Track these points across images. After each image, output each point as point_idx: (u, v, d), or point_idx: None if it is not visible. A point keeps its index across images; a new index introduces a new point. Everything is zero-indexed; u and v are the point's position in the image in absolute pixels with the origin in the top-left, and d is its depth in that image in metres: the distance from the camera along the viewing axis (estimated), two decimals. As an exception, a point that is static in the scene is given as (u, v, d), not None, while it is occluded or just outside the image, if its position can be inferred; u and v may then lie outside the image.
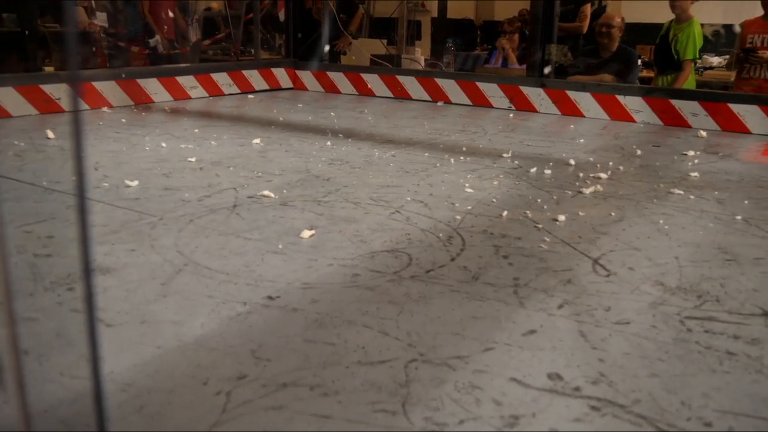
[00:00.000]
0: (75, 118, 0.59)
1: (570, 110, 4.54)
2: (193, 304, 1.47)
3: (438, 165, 2.90)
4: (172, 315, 1.42)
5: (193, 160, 2.87)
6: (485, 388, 1.16)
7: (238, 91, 5.33)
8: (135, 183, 2.44)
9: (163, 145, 3.19)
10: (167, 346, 1.29)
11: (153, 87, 4.75)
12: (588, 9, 5.87)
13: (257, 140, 3.32)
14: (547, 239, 1.94)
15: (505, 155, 3.11)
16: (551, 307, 1.49)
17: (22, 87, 3.98)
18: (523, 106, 4.72)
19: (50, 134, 3.26)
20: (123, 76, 4.60)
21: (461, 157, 3.06)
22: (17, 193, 2.33)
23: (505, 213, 2.18)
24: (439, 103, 4.98)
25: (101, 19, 6.58)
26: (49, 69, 5.25)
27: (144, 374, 1.20)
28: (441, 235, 1.97)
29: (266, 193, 2.33)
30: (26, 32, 4.90)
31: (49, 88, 4.08)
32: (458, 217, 2.15)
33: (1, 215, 1.70)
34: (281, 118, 4.16)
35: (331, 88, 5.60)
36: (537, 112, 4.64)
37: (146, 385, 1.16)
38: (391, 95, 5.27)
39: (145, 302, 1.48)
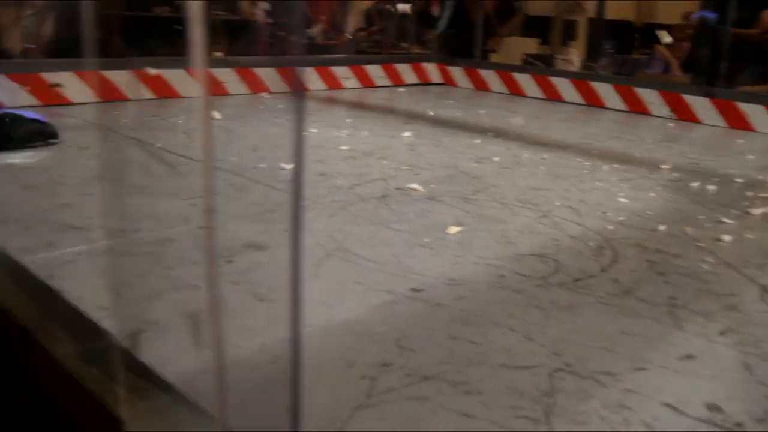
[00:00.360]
0: (298, 105, 0.61)
1: (738, 123, 4.22)
2: (342, 288, 1.51)
3: (590, 171, 2.80)
4: (323, 296, 1.47)
5: (346, 148, 2.95)
6: (636, 410, 1.11)
7: (390, 84, 5.41)
8: (290, 166, 2.55)
9: (317, 132, 3.30)
10: (316, 326, 1.34)
11: (309, 75, 4.93)
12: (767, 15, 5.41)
13: (408, 133, 3.36)
14: (709, 260, 1.82)
15: (663, 166, 2.94)
16: (712, 333, 1.40)
17: (193, 70, 4.26)
18: (685, 115, 4.44)
19: (216, 115, 3.47)
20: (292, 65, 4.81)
21: (615, 165, 2.93)
22: (185, 168, 2.50)
23: (661, 227, 2.07)
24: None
25: (263, 8, 6.92)
26: (217, 54, 5.59)
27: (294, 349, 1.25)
28: (591, 243, 1.90)
29: (415, 186, 2.35)
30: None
31: (216, 72, 4.34)
32: (610, 227, 2.06)
33: (213, 194, 1.82)
34: (431, 113, 4.18)
35: (481, 86, 5.56)
36: (700, 122, 4.36)
37: (290, 360, 1.21)
38: (543, 96, 5.15)
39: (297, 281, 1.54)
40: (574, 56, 6.38)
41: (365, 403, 1.08)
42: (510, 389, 1.15)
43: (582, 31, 8.26)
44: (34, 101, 3.59)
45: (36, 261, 1.54)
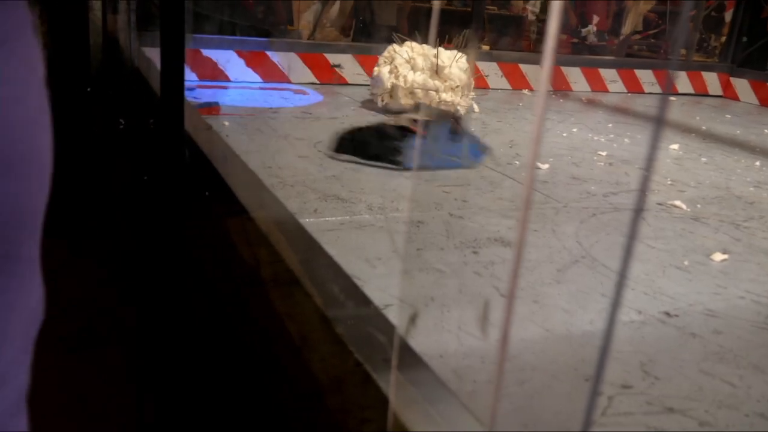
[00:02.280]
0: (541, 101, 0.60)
1: None
2: (585, 298, 1.46)
3: None
4: (564, 303, 1.43)
5: (604, 154, 2.83)
6: None
7: (660, 92, 5.07)
8: (546, 166, 2.51)
9: (576, 132, 3.21)
10: (555, 331, 1.31)
11: (574, 75, 4.80)
12: None
13: (675, 146, 3.12)
14: None
15: None
16: None
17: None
18: None
19: (475, 107, 3.53)
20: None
21: None
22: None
23: None
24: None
25: (533, 5, 6.86)
26: (484, 47, 5.68)
27: (530, 351, 1.24)
28: None
29: (677, 203, 2.19)
30: (472, 12, 5.36)
31: (481, 66, 4.41)
32: None
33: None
34: (704, 127, 3.84)
35: (768, 102, 4.97)
36: None
37: (531, 362, 1.20)
38: None
39: (540, 283, 1.52)
40: None
41: (599, 420, 1.04)
42: (767, 443, 1.02)
43: None
44: (315, 80, 3.96)
45: (304, 224, 1.70)
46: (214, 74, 3.72)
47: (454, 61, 3.11)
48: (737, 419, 1.08)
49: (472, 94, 3.37)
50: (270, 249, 1.23)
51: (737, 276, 1.66)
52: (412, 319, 1.16)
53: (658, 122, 0.56)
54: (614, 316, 0.49)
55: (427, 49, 3.14)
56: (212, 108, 2.96)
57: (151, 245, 2.42)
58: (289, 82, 3.90)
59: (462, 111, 3.17)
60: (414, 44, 3.21)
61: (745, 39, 5.28)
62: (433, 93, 3.04)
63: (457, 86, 3.10)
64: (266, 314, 1.27)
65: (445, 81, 3.09)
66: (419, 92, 3.07)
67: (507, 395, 1.09)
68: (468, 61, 3.20)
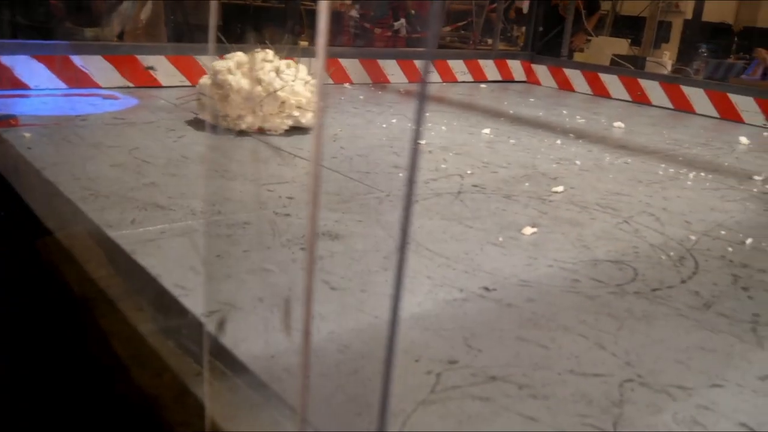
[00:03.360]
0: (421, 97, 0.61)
1: (841, 136, 3.97)
2: (411, 282, 1.51)
3: (675, 178, 2.70)
4: (391, 289, 1.47)
5: (423, 142, 2.95)
6: (709, 427, 1.07)
7: (471, 80, 5.37)
8: (424, 142, 2.57)
9: (396, 123, 3.31)
10: (384, 318, 1.34)
11: (391, 68, 4.95)
12: None
13: (486, 130, 3.33)
14: (799, 278, 1.73)
15: (755, 177, 2.81)
16: (797, 355, 1.33)
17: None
18: (782, 125, 4.22)
19: (320, 103, 3.52)
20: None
21: (702, 174, 2.82)
22: (264, 155, 2.55)
23: (749, 241, 1.97)
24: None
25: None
26: (303, 43, 5.69)
27: (361, 340, 1.26)
28: (672, 253, 1.84)
29: (491, 183, 2.33)
30: (286, 9, 5.35)
31: (303, 61, 4.41)
32: (693, 237, 1.99)
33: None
34: (511, 111, 4.12)
35: (565, 85, 5.44)
36: (799, 133, 4.13)
37: (362, 351, 1.22)
38: (629, 98, 4.99)
39: (368, 272, 1.55)
40: (666, 58, 6.16)
41: (429, 398, 1.08)
42: (577, 396, 1.12)
43: (676, 32, 7.94)
44: (128, 83, 3.75)
45: (120, 237, 1.60)
46: (11, 82, 3.40)
47: (296, 77, 3.06)
48: (551, 378, 1.17)
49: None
50: (79, 267, 1.15)
51: (545, 246, 1.81)
52: (220, 325, 1.13)
53: (420, 108, 0.59)
54: (397, 305, 0.51)
55: (256, 58, 3.07)
56: (9, 120, 2.71)
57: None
58: (99, 87, 3.66)
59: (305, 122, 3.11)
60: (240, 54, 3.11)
61: (541, 28, 5.73)
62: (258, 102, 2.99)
63: (300, 103, 3.04)
64: (83, 336, 1.19)
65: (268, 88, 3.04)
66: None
67: (340, 386, 1.10)
68: (295, 62, 3.17)
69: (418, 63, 5.05)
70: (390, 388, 0.68)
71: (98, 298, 1.17)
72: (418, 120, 0.54)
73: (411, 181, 0.58)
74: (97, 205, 1.80)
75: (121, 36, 4.70)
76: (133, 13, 4.81)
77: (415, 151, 0.59)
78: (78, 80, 3.61)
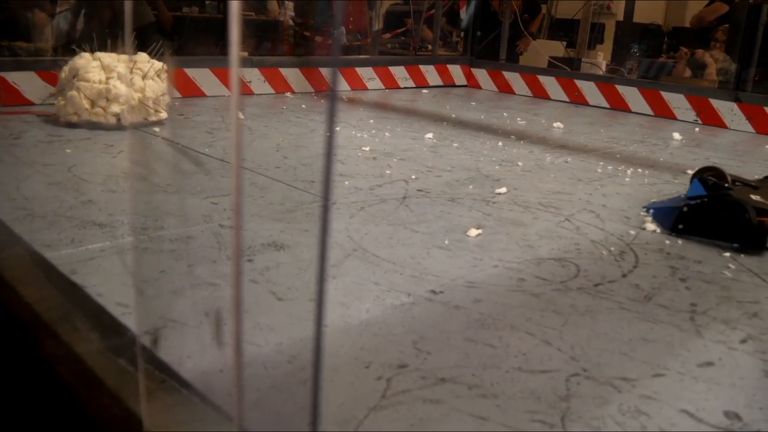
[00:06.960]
0: (332, 105, 0.62)
1: (767, 129, 4.15)
2: (359, 289, 1.52)
3: (613, 175, 2.78)
4: (340, 296, 1.47)
5: (367, 149, 2.96)
6: (653, 416, 1.10)
7: (413, 86, 5.42)
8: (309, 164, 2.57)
9: (339, 132, 3.31)
10: (333, 326, 1.34)
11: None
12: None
13: (429, 135, 3.36)
14: (732, 266, 1.80)
15: (689, 171, 2.91)
16: (732, 341, 1.38)
17: (217, 69, 4.30)
18: (712, 120, 4.39)
19: (240, 115, 3.49)
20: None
21: (639, 170, 2.90)
22: (207, 166, 2.52)
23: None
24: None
25: (290, 8, 6.95)
26: (242, 54, 5.64)
27: (310, 349, 1.25)
28: (612, 249, 1.89)
29: (434, 188, 2.35)
30: (225, 19, 5.29)
31: (242, 72, 4.37)
32: (632, 232, 2.05)
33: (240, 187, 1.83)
34: (453, 115, 4.17)
35: (505, 88, 5.54)
36: (727, 128, 4.30)
37: (312, 360, 1.21)
38: (567, 99, 5.11)
39: (315, 281, 1.54)
40: (601, 59, 6.32)
41: (380, 404, 1.09)
42: (526, 393, 1.14)
43: (609, 34, 8.17)
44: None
45: (59, 257, 1.56)
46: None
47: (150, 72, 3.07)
48: (500, 376, 1.19)
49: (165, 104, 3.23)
50: (15, 291, 1.11)
51: (490, 247, 1.83)
52: (154, 341, 1.11)
53: (330, 114, 0.59)
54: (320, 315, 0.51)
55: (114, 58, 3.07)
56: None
57: None
58: None
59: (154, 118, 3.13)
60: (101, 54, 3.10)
61: (479, 33, 5.83)
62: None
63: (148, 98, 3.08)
64: (21, 362, 1.15)
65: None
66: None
67: (291, 397, 1.10)
68: (163, 69, 3.17)
69: (324, 71, 5.03)
70: (320, 399, 0.68)
71: (35, 320, 1.14)
72: (331, 128, 0.54)
73: (326, 192, 0.58)
74: (33, 226, 1.75)
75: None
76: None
77: (329, 156, 0.59)
78: None
